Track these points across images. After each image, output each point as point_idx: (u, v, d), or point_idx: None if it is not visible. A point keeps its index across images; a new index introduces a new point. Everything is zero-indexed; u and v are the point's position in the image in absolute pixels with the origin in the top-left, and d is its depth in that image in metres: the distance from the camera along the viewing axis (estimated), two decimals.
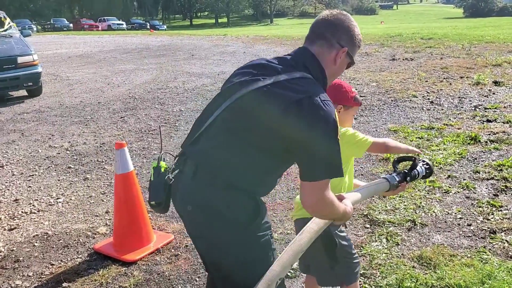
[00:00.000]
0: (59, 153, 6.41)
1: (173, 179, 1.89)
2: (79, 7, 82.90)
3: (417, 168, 2.38)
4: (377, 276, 3.13)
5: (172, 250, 3.69)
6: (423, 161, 2.48)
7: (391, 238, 3.61)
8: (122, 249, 3.70)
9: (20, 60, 10.18)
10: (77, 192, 5.05)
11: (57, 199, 4.87)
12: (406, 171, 2.33)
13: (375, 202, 4.27)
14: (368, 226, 3.85)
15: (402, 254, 3.39)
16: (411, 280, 3.01)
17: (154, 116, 8.30)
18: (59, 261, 3.62)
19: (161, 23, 74.44)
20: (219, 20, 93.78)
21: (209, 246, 1.89)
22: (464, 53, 13.81)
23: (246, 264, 1.81)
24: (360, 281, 2.99)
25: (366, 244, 3.54)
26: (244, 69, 1.95)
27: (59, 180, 5.41)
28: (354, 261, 2.48)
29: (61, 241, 3.94)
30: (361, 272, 3.07)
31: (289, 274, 3.11)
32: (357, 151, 2.32)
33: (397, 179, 2.25)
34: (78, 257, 3.67)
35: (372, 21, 58.24)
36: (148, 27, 61.49)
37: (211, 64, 15.00)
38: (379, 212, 4.06)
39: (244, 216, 1.77)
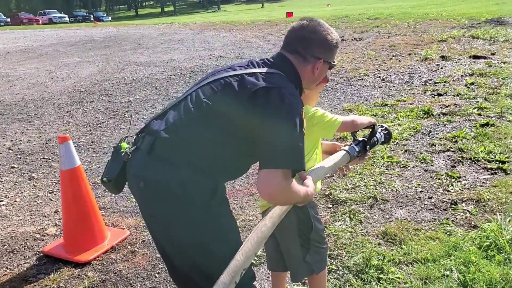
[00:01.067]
0: (0, 153, 5.98)
1: (130, 155, 1.83)
2: (17, 0, 79.15)
3: (376, 135, 2.35)
4: (343, 256, 3.04)
5: (129, 247, 3.46)
6: (381, 127, 2.44)
7: (354, 217, 3.53)
8: (73, 249, 3.44)
9: None
10: (22, 193, 4.69)
11: (0, 201, 4.51)
12: (365, 139, 2.29)
13: (335, 182, 4.19)
14: (331, 206, 3.76)
15: (366, 232, 3.32)
16: (378, 257, 2.94)
17: (102, 109, 7.91)
18: (4, 269, 3.31)
19: (105, 15, 72.20)
20: (165, 9, 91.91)
21: (161, 227, 1.80)
22: (410, 30, 14.08)
23: (202, 247, 1.72)
24: (327, 263, 2.90)
25: (330, 224, 3.45)
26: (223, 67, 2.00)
27: (1, 181, 5.03)
28: (324, 246, 2.38)
29: (5, 246, 3.62)
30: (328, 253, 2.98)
31: (253, 261, 2.97)
32: (327, 132, 2.19)
33: (357, 149, 2.22)
34: (25, 262, 3.38)
35: (319, 4, 58.46)
36: (92, 19, 59.58)
37: (159, 52, 14.57)
38: (340, 191, 3.98)
39: (199, 197, 1.69)
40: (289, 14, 28.29)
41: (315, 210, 2.34)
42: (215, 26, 23.47)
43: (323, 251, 2.37)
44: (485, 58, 9.07)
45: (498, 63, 8.55)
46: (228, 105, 1.73)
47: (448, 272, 2.73)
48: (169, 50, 14.96)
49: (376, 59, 9.91)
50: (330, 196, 3.90)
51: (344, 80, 8.32)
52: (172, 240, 1.77)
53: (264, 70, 1.82)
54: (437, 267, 2.79)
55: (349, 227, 3.40)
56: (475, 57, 9.21)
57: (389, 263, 2.89)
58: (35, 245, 3.64)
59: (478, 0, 25.64)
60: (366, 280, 2.78)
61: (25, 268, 3.30)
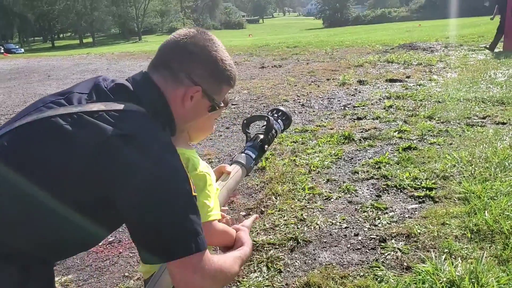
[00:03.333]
0: None
1: None
2: None
3: (274, 126, 1.88)
4: None
5: None
6: (277, 112, 1.98)
7: (272, 265, 2.97)
8: None
9: None
10: None
11: None
12: (261, 137, 1.84)
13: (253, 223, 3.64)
14: None
15: (286, 284, 2.78)
16: None
17: None
18: None
19: (17, 46, 68.23)
20: (84, 40, 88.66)
21: None
22: (327, 57, 14.20)
23: None
24: None
25: (243, 278, 2.87)
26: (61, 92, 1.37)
27: None
28: None
29: None
30: None
31: None
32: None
33: (254, 157, 1.78)
34: None
35: (241, 34, 59.42)
36: (1, 51, 56.12)
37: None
38: (257, 233, 3.43)
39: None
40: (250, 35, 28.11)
41: None
42: (133, 55, 22.62)
43: None
44: (400, 81, 9.13)
45: (413, 85, 8.59)
46: (54, 162, 1.15)
47: None
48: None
49: (296, 85, 9.69)
50: None
51: (264, 106, 7.93)
52: None
53: (115, 106, 1.23)
54: None
55: (266, 279, 2.83)
56: (391, 80, 9.26)
57: None
58: None
59: (390, 28, 26.91)
60: None
61: None
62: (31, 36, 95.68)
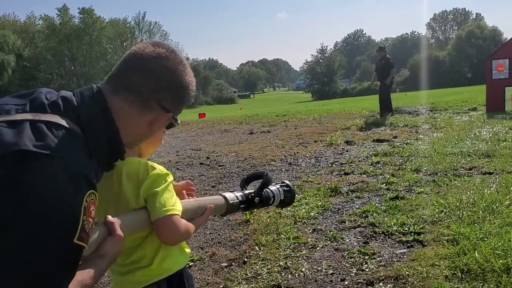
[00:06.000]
0: None
1: None
2: None
3: (272, 188, 1.79)
4: None
5: None
6: (283, 183, 1.88)
7: None
8: None
9: None
10: None
11: None
12: (253, 192, 1.74)
13: (233, 271, 3.48)
14: None
15: None
16: None
17: None
18: None
19: None
20: None
21: None
22: (315, 122, 14.39)
23: None
24: None
25: None
26: None
27: None
28: None
29: None
30: None
31: None
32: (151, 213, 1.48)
33: (239, 199, 1.68)
34: None
35: (233, 108, 60.52)
36: None
37: None
38: (239, 283, 3.27)
39: None
40: (202, 115, 28.50)
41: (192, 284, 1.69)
42: None
43: None
44: (387, 141, 9.18)
45: (400, 144, 8.63)
46: None
47: None
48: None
49: (283, 147, 9.70)
50: None
51: (251, 166, 7.87)
52: None
53: (45, 117, 1.12)
54: None
55: None
56: (378, 140, 9.31)
57: None
58: None
59: (375, 98, 27.62)
60: None
61: None
62: None
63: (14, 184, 0.99)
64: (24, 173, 1.00)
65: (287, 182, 1.90)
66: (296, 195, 5.31)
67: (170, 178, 1.52)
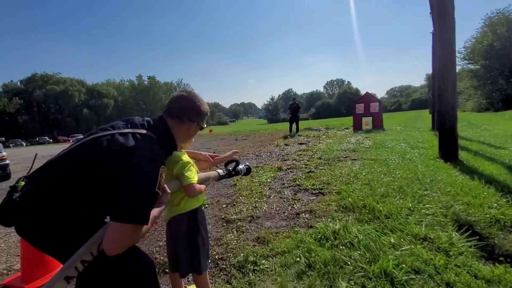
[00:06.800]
0: None
1: (17, 199, 1.06)
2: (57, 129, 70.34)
3: (240, 166, 1.79)
4: (230, 257, 2.25)
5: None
6: (245, 164, 1.87)
7: (239, 229, 2.78)
8: (29, 279, 2.21)
9: None
10: (8, 239, 3.21)
11: None
12: (231, 168, 1.76)
13: (228, 209, 3.43)
14: (225, 224, 2.98)
15: (246, 238, 2.58)
16: (253, 255, 2.21)
17: None
18: None
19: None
20: None
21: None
22: (269, 135, 14.29)
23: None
24: (218, 263, 2.07)
25: (224, 236, 2.65)
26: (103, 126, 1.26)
27: None
28: (205, 250, 1.60)
29: None
30: (220, 257, 2.15)
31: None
32: (181, 180, 1.46)
33: (225, 172, 1.70)
34: None
35: (226, 128, 59.87)
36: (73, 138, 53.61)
37: None
38: (232, 214, 3.23)
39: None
40: (211, 131, 27.65)
41: (204, 219, 1.60)
42: None
43: (204, 255, 1.58)
44: (305, 143, 9.22)
45: (311, 146, 8.67)
46: (92, 162, 1.07)
47: (298, 259, 2.08)
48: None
49: (253, 147, 9.63)
50: (224, 218, 3.12)
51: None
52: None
53: (138, 130, 1.15)
54: (291, 256, 2.13)
55: (236, 236, 2.63)
56: (301, 143, 9.33)
57: (261, 257, 2.17)
58: (0, 279, 2.29)
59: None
60: (245, 272, 2.00)
61: None
62: None
63: (127, 163, 1.04)
64: (132, 157, 1.04)
65: (248, 163, 1.93)
66: (259, 171, 5.32)
67: (190, 162, 1.50)
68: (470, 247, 2.03)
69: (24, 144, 42.40)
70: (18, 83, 58.26)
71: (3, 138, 11.06)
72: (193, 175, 1.46)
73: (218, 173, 1.68)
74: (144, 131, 1.18)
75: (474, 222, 2.36)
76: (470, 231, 2.22)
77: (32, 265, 2.26)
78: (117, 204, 1.02)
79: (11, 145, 40.05)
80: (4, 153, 8.11)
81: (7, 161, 7.98)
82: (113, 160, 1.05)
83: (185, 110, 1.34)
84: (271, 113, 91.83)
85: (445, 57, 4.85)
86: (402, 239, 2.20)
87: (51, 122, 57.13)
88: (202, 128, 1.43)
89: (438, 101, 5.12)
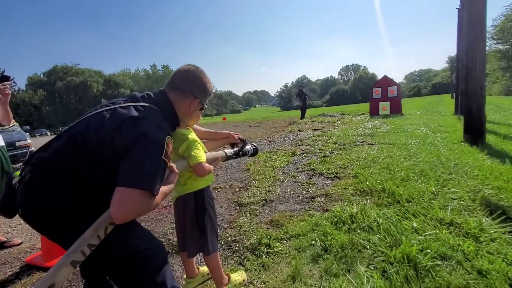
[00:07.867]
0: None
1: (17, 185, 1.05)
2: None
3: (247, 147, 1.72)
4: (244, 239, 2.20)
5: None
6: (252, 144, 1.80)
7: (252, 212, 2.72)
8: (50, 257, 2.27)
9: (17, 144, 7.94)
10: None
11: (14, 227, 3.13)
12: (239, 149, 1.69)
13: (241, 192, 3.39)
14: (238, 207, 2.93)
15: (260, 221, 2.52)
16: (267, 237, 2.14)
17: None
18: None
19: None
20: None
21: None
22: (282, 121, 14.12)
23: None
24: (231, 245, 2.02)
25: (237, 219, 2.61)
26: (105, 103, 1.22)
27: None
28: (214, 230, 1.53)
29: (2, 259, 2.35)
30: (233, 239, 2.10)
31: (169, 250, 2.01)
32: (188, 160, 1.37)
33: (232, 153, 1.63)
34: (10, 271, 2.16)
35: (239, 116, 59.96)
36: None
37: None
38: (244, 198, 3.18)
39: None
40: (224, 119, 27.42)
41: (212, 199, 1.54)
42: None
43: (213, 236, 1.52)
44: (319, 129, 9.03)
45: (326, 131, 8.47)
46: (96, 135, 1.03)
47: (313, 242, 2.00)
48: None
49: (266, 132, 9.54)
50: (238, 202, 3.07)
51: (249, 141, 7.72)
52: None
53: (139, 103, 1.10)
54: (306, 239, 2.05)
55: (249, 219, 2.58)
56: (315, 129, 9.15)
57: (274, 240, 2.10)
58: (24, 257, 2.38)
59: (320, 109, 27.17)
60: (259, 255, 1.95)
61: (7, 275, 2.09)
62: None
63: (132, 131, 1.00)
64: (137, 125, 1.01)
65: (255, 144, 1.84)
66: (272, 156, 5.23)
67: (197, 141, 1.41)
68: (503, 233, 1.86)
69: (49, 133, 44.40)
70: (41, 75, 60.34)
71: (28, 127, 11.53)
72: (201, 153, 1.38)
73: (226, 153, 1.60)
74: (146, 104, 1.12)
75: (507, 207, 2.17)
76: (504, 217, 2.04)
77: (52, 244, 2.31)
78: (123, 170, 0.97)
79: (37, 134, 41.99)
80: (29, 141, 8.46)
81: (32, 148, 8.35)
82: (118, 129, 1.00)
83: (191, 84, 1.27)
84: (284, 100, 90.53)
85: (474, 32, 4.45)
86: (425, 224, 2.06)
87: (72, 112, 59.17)
88: (202, 109, 1.35)
89: (464, 81, 4.75)
